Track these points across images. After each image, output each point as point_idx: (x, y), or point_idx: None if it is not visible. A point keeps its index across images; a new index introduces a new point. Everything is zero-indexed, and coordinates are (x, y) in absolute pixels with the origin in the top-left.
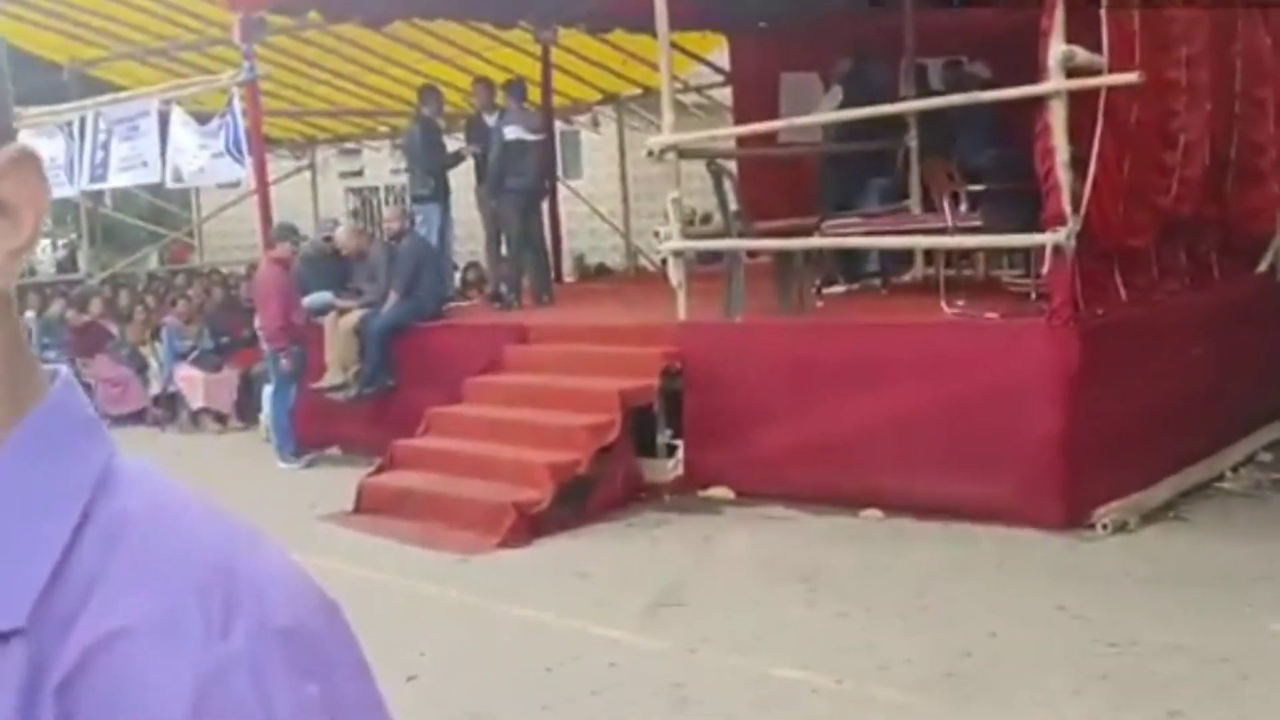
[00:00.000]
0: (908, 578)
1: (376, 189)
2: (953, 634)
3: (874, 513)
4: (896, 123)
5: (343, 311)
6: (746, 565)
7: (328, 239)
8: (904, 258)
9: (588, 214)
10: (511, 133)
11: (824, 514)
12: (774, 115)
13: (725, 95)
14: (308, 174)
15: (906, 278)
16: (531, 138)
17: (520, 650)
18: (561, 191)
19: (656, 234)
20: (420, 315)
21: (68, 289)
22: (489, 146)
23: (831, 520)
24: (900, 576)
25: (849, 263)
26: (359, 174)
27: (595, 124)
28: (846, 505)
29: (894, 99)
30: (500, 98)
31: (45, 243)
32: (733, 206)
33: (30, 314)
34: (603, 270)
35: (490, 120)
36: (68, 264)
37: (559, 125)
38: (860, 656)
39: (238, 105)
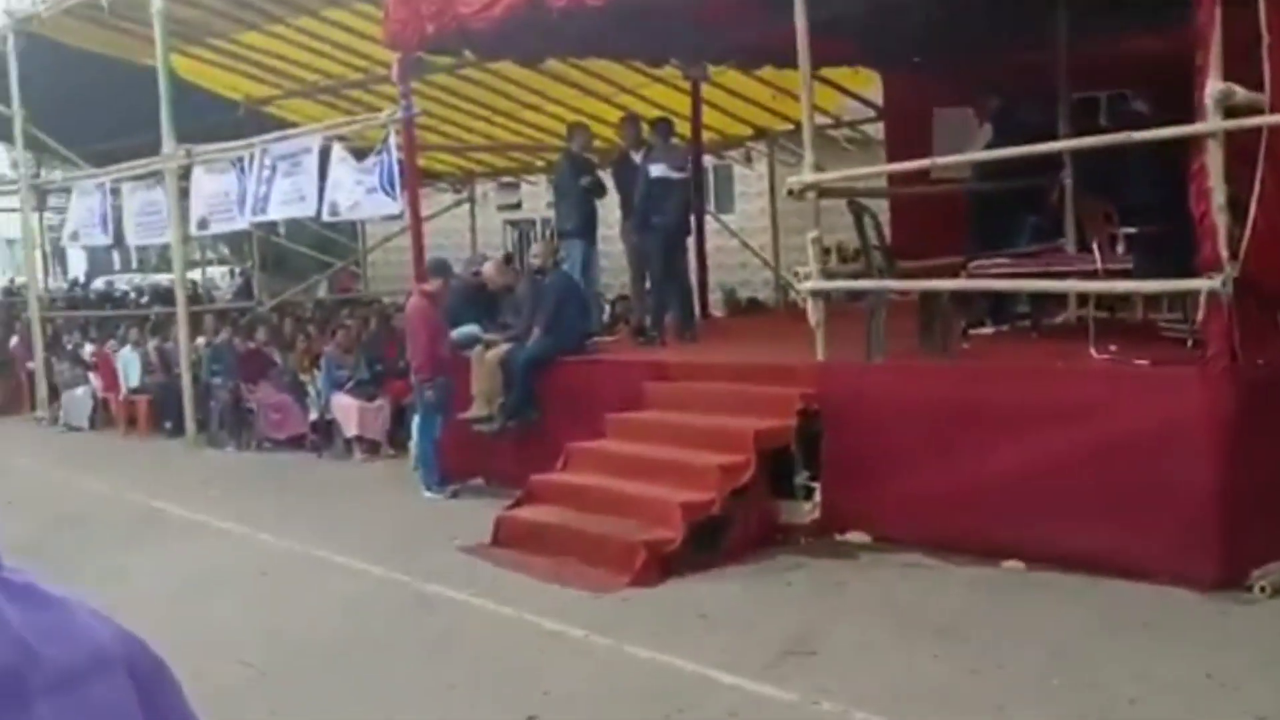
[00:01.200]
0: (1047, 635)
1: (533, 222)
2: (1090, 699)
3: (1016, 564)
4: (1051, 160)
5: (489, 345)
6: (880, 614)
7: (476, 274)
8: (1057, 299)
9: (738, 248)
10: (656, 170)
11: (964, 564)
12: (927, 151)
13: (879, 130)
14: (467, 206)
15: (1058, 320)
16: (676, 175)
17: (642, 694)
18: (712, 225)
19: (796, 274)
20: (563, 349)
21: (239, 316)
22: (635, 183)
23: (971, 570)
24: (1039, 633)
25: (998, 303)
26: (517, 207)
27: (748, 159)
28: (988, 555)
29: (1046, 135)
30: (647, 134)
31: (224, 270)
32: (876, 244)
33: (201, 340)
34: (754, 305)
35: (636, 157)
36: (244, 292)
37: (711, 160)
38: (989, 718)
39: (393, 142)
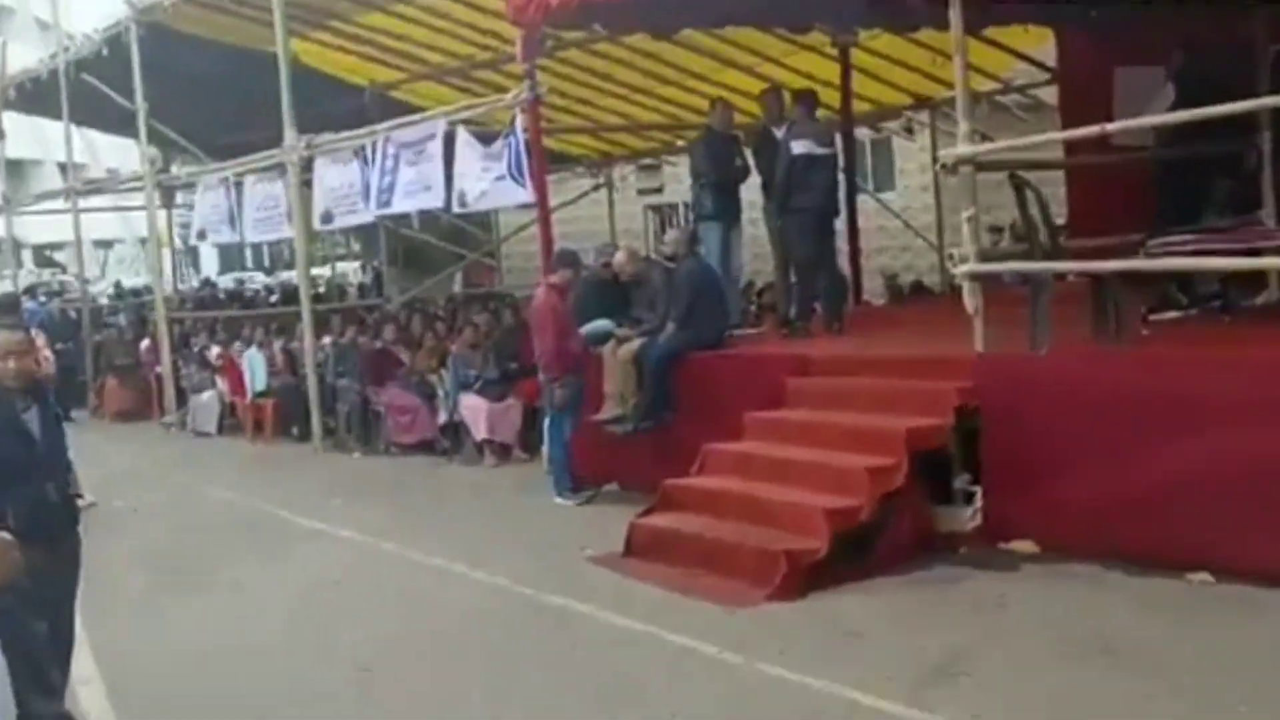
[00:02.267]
0: (1233, 658)
1: (676, 206)
2: None
3: (1203, 577)
4: (1246, 121)
5: (621, 340)
6: (1044, 632)
7: (606, 264)
8: (1253, 278)
9: (900, 229)
10: (799, 146)
11: (1142, 575)
12: (1108, 116)
13: (1053, 94)
14: (605, 193)
15: (1257, 301)
16: (820, 151)
17: (778, 717)
18: (870, 205)
19: (951, 256)
20: (700, 344)
21: (367, 314)
22: (777, 161)
23: (1150, 583)
24: (1224, 655)
25: (1184, 284)
26: (658, 190)
27: (908, 130)
28: (1170, 567)
29: (1240, 94)
30: (789, 108)
31: (355, 265)
32: (1041, 222)
33: (327, 340)
34: (918, 290)
35: (779, 133)
36: (373, 288)
37: (866, 134)
38: None
39: (520, 125)
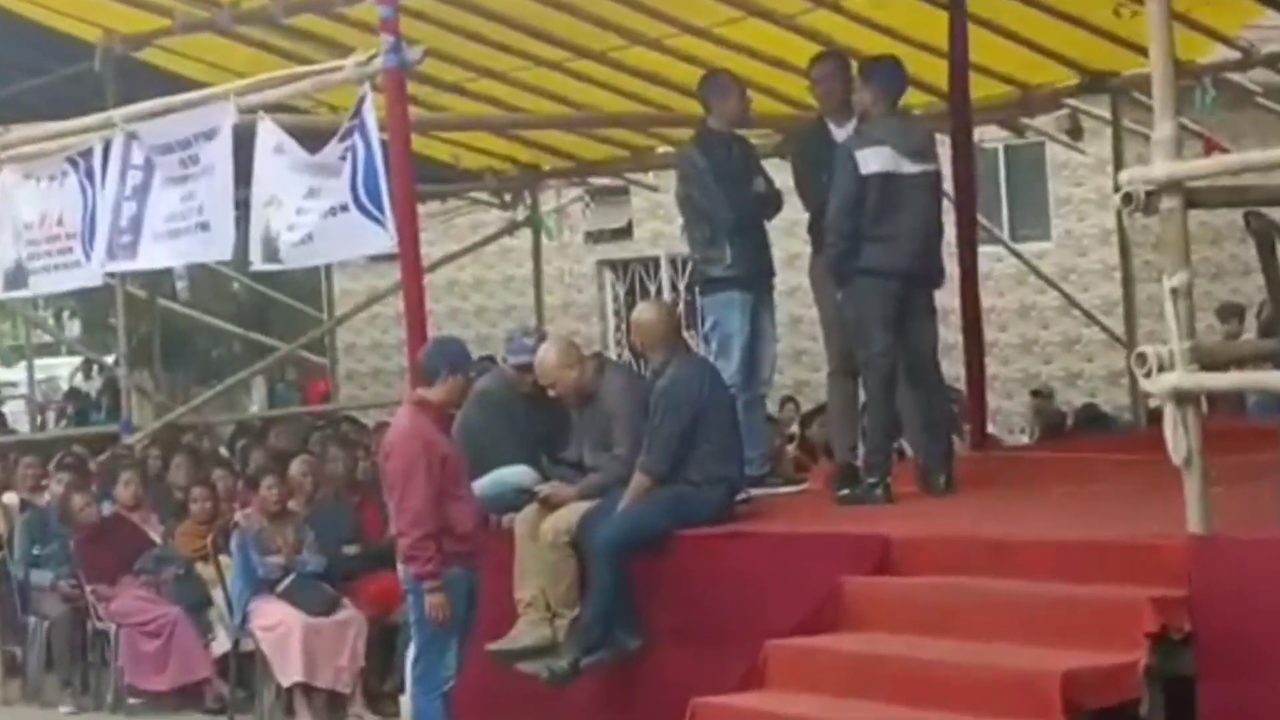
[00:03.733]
0: None
1: (655, 261)
2: None
3: None
4: None
5: (548, 504)
6: None
7: (523, 369)
8: None
9: (1058, 306)
10: (872, 159)
11: None
12: None
13: None
14: (527, 236)
15: None
16: (910, 168)
17: None
18: (1002, 265)
19: (1142, 358)
20: (690, 513)
21: (89, 454)
22: (835, 184)
23: None
24: None
25: None
26: (624, 234)
27: (1073, 132)
28: None
29: None
30: (858, 90)
31: (70, 363)
32: None
33: (9, 497)
34: (1091, 417)
35: (837, 134)
36: (101, 405)
37: (996, 137)
38: None
39: (371, 115)
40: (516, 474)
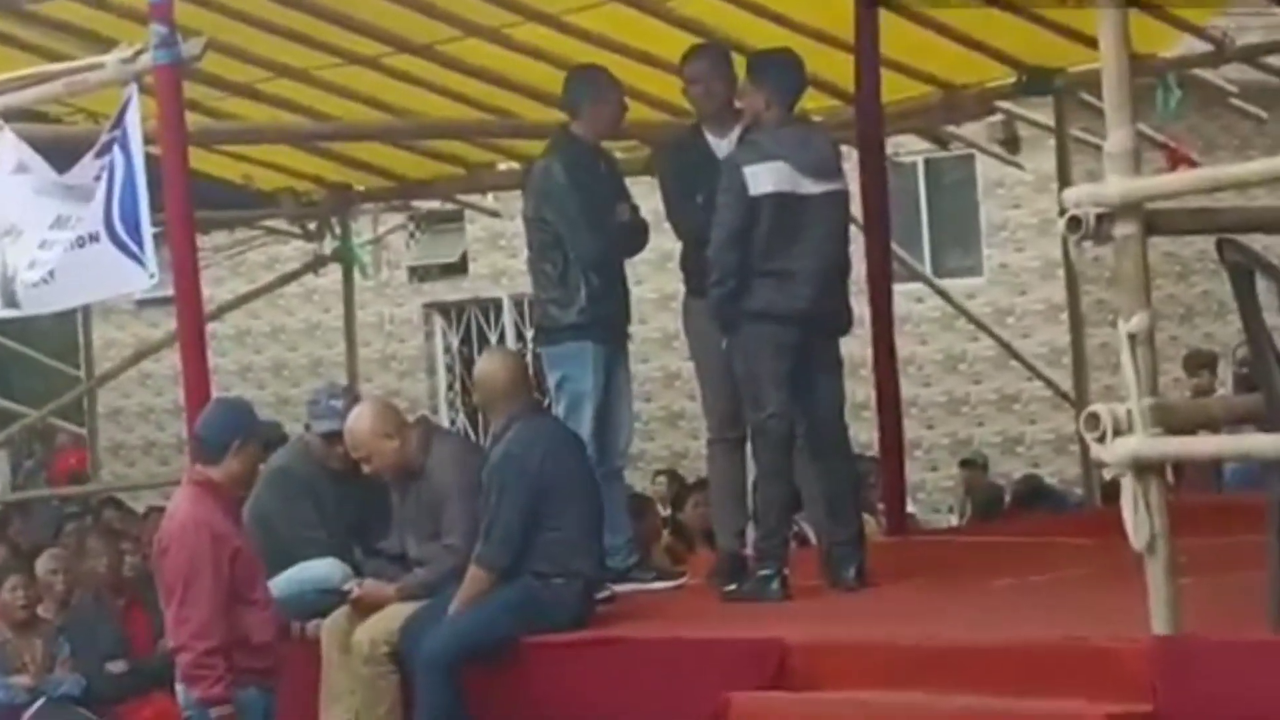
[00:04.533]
0: None
1: (497, 304)
2: None
3: None
4: None
5: (362, 606)
6: None
7: (330, 438)
8: None
9: (993, 357)
10: (763, 177)
11: None
12: None
13: None
14: (338, 274)
15: None
16: (815, 188)
17: None
18: (924, 306)
19: (1094, 419)
20: (542, 615)
21: None
22: (716, 207)
23: None
24: None
25: None
26: (457, 271)
27: (1007, 141)
28: None
29: None
30: (745, 92)
31: None
32: None
33: None
34: (1032, 493)
35: (719, 144)
36: None
37: (915, 150)
38: None
39: (136, 123)
40: (323, 570)
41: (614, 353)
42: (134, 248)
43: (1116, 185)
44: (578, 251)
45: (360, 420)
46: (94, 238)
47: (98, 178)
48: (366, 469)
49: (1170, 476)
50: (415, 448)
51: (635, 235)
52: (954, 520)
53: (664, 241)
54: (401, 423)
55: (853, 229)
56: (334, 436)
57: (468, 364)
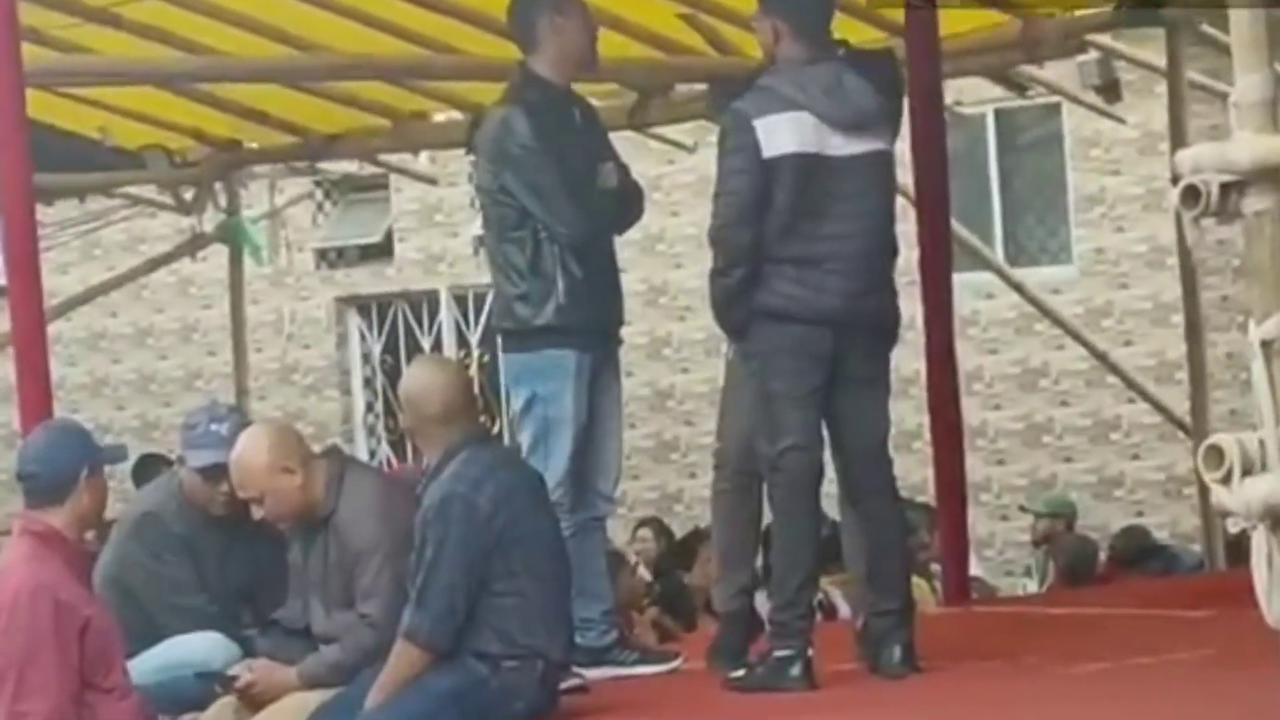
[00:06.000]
0: None
1: (433, 298)
2: None
3: None
4: None
5: (249, 697)
6: None
7: (212, 471)
8: None
9: (1086, 369)
10: (785, 132)
11: None
12: None
13: None
14: (221, 258)
15: None
16: (849, 148)
17: None
18: (997, 304)
19: (1215, 454)
20: (490, 707)
21: None
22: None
23: None
24: None
25: None
26: (381, 254)
27: (1109, 90)
28: None
29: None
30: (755, 20)
31: None
32: None
33: None
34: (1138, 551)
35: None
36: None
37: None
38: None
39: None
40: (202, 648)
41: (601, 364)
42: None
43: (1247, 145)
44: (553, 231)
45: (250, 450)
46: None
47: None
48: (258, 514)
49: None
50: (323, 487)
51: (627, 206)
52: (1032, 586)
53: (650, 216)
54: (305, 454)
55: (901, 202)
56: (216, 472)
57: (393, 377)
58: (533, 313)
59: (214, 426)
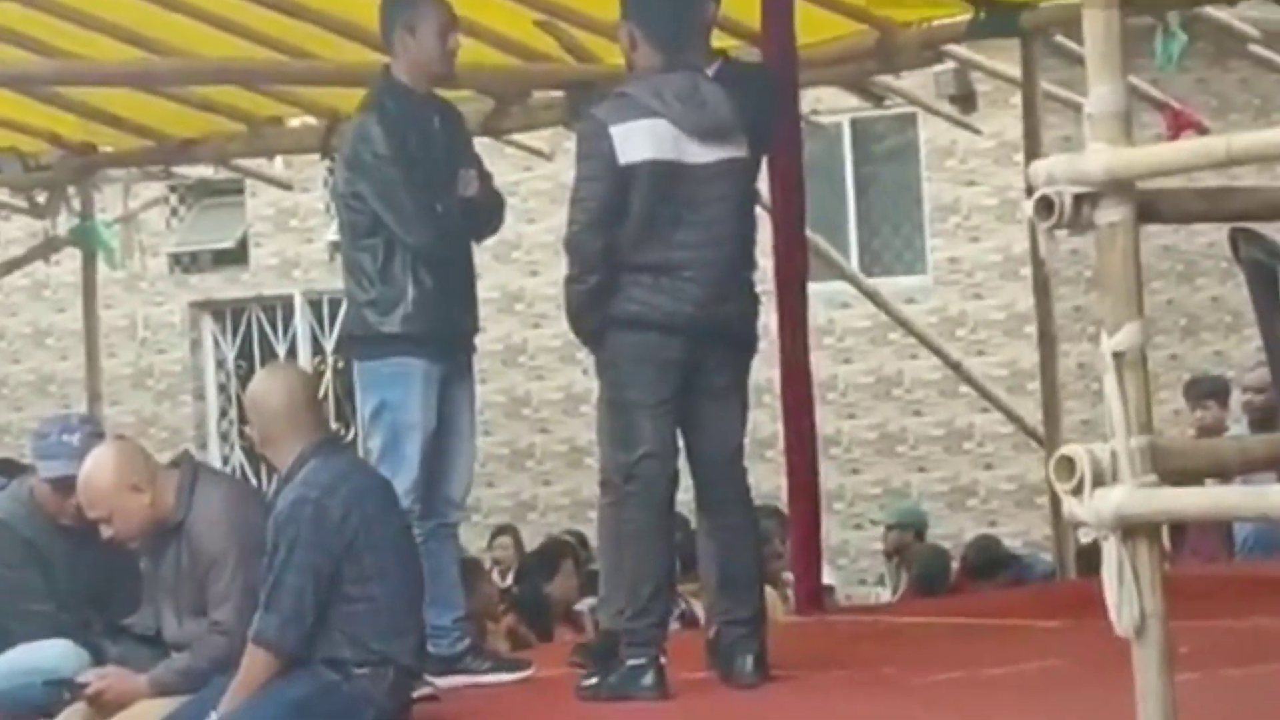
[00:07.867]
0: None
1: (287, 303)
2: None
3: None
4: None
5: (100, 704)
6: None
7: (62, 483)
8: None
9: (939, 378)
10: (640, 140)
11: None
12: None
13: None
14: (74, 263)
15: None
16: (706, 155)
17: None
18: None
19: (1067, 464)
20: (337, 716)
21: None
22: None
23: None
24: None
25: None
26: (235, 259)
27: (964, 100)
28: None
29: None
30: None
31: None
32: None
33: None
34: (991, 562)
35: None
36: None
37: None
38: None
39: None
40: (51, 655)
41: (452, 372)
42: None
43: (1101, 157)
44: (404, 238)
45: (96, 471)
46: None
47: None
48: (107, 533)
49: (1167, 540)
50: (173, 497)
51: (487, 214)
52: (885, 595)
53: (506, 223)
54: (153, 469)
55: (759, 211)
56: (66, 483)
57: (247, 383)
58: (381, 320)
59: (65, 437)
